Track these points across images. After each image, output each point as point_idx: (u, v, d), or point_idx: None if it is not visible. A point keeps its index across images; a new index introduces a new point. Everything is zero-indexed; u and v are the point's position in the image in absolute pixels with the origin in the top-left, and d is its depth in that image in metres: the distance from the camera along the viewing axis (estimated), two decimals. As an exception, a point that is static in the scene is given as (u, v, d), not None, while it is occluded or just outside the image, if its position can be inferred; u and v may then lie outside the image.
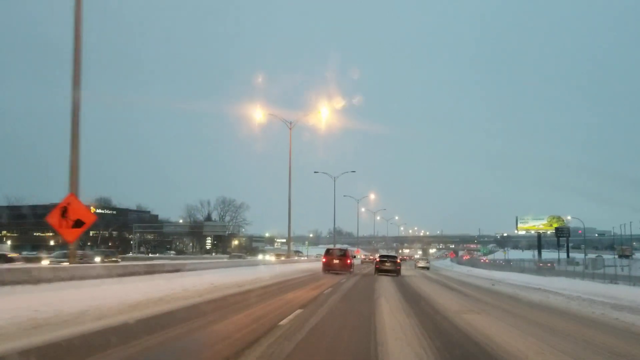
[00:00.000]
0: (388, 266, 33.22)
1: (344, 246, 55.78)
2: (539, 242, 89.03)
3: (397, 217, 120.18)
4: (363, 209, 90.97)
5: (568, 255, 67.37)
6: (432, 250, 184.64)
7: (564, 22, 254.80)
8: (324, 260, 32.13)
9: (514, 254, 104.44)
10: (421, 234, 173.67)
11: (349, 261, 32.16)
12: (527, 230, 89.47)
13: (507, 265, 64.47)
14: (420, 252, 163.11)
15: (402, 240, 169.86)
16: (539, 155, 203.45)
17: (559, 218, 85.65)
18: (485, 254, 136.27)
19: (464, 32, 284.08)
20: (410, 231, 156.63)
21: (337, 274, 28.92)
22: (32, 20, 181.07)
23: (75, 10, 13.84)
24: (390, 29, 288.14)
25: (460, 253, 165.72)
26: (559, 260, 62.42)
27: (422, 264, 61.45)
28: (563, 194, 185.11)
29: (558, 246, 77.44)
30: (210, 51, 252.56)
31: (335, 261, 31.25)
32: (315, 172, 60.48)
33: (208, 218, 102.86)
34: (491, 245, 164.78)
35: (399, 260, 35.88)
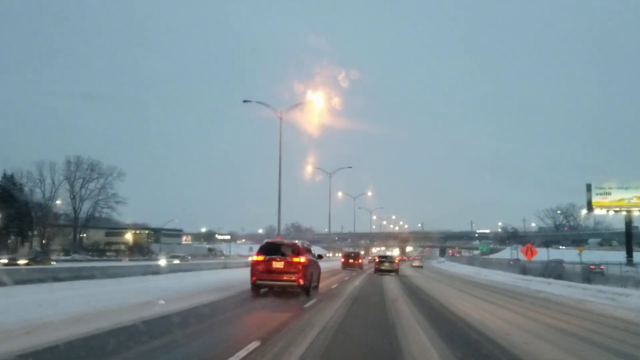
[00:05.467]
0: (387, 266, 36.82)
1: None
2: (628, 232, 50.54)
3: (369, 193, 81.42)
4: (309, 168, 53.96)
5: None
6: (409, 249, 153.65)
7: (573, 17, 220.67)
8: (342, 260, 45.89)
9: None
10: (397, 228, 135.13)
11: (360, 260, 45.45)
12: (608, 207, 50.33)
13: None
14: (397, 251, 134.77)
15: (373, 237, 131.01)
16: (536, 154, 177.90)
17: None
18: (486, 253, 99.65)
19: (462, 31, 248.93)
20: (384, 222, 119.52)
21: (352, 269, 40.72)
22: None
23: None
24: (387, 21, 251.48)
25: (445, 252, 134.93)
26: None
27: (416, 263, 70.75)
28: (562, 194, 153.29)
29: None
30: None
31: (351, 260, 44.16)
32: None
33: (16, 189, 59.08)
34: (477, 242, 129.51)
35: (397, 261, 41.55)
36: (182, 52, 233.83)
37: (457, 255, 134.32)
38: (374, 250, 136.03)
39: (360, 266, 44.58)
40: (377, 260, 39.92)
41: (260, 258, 14.50)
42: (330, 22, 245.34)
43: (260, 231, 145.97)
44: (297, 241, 15.94)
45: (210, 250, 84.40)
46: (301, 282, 14.33)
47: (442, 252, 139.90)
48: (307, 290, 14.90)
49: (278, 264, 14.34)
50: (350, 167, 59.11)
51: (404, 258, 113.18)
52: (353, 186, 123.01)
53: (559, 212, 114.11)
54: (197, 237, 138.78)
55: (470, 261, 74.99)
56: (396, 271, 36.75)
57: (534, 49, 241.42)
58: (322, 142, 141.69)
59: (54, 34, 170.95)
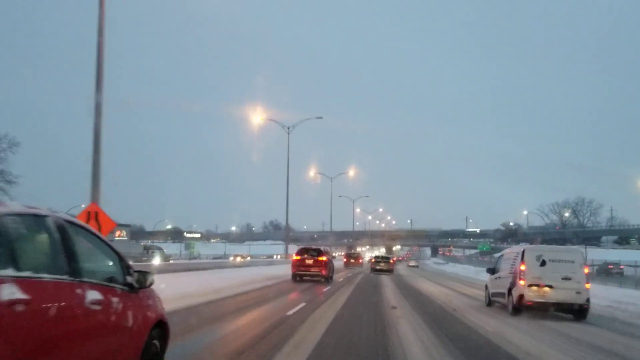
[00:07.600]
0: (382, 266, 39.20)
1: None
2: None
3: (351, 172, 66.85)
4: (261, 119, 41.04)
5: None
6: (396, 247, 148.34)
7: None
8: (344, 260, 53.82)
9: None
10: (383, 225, 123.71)
11: (360, 260, 55.40)
12: None
13: None
14: (383, 250, 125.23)
15: (357, 236, 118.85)
16: (533, 152, 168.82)
17: None
18: (487, 252, 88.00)
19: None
20: (369, 217, 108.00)
21: (353, 268, 47.03)
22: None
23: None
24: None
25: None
26: None
27: (412, 263, 76.56)
28: (561, 193, 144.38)
29: None
30: None
31: (352, 260, 52.50)
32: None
33: None
34: (469, 240, 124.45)
35: (392, 261, 44.25)
36: (182, 50, 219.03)
37: (448, 254, 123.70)
38: (359, 249, 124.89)
39: (361, 265, 52.36)
40: (373, 260, 43.26)
41: (298, 257, 23.05)
42: (330, 21, 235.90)
43: (234, 228, 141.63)
44: (321, 247, 26.76)
45: (146, 248, 69.28)
46: (324, 273, 22.41)
47: (435, 251, 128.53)
48: (327, 279, 22.84)
49: (309, 261, 22.68)
50: (321, 118, 43.77)
51: (400, 258, 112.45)
52: (343, 185, 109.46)
53: (565, 208, 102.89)
54: (164, 235, 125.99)
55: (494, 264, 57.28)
56: (391, 271, 39.48)
57: (533, 48, 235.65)
58: (312, 140, 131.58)
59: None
